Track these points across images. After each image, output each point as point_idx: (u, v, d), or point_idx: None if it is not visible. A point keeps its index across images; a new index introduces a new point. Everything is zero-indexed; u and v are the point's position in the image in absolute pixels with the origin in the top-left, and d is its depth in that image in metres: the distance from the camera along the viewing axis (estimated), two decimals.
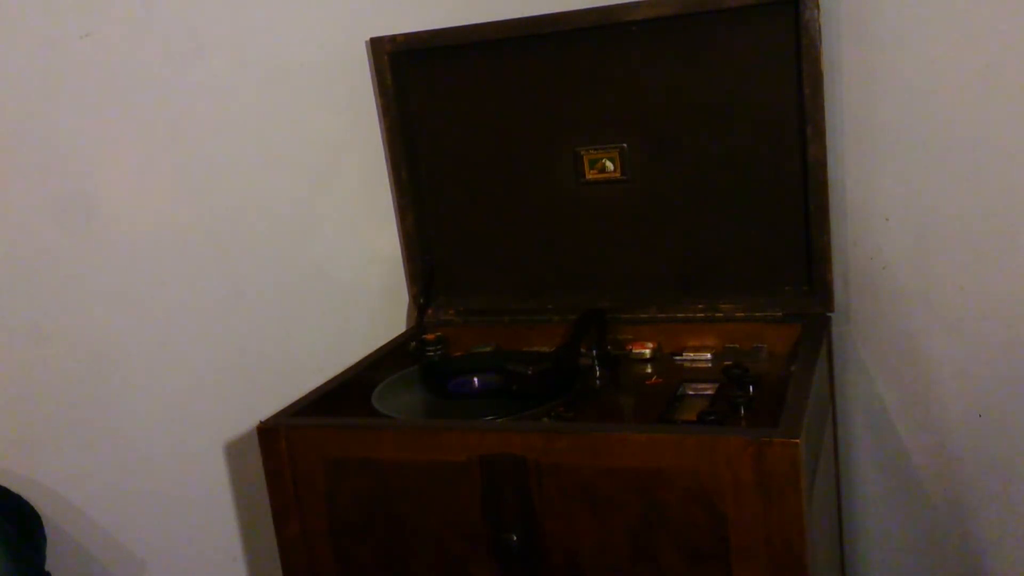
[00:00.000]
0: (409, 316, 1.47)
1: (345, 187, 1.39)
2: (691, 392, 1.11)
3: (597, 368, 1.22)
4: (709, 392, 1.10)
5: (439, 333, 1.34)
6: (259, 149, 1.27)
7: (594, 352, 1.23)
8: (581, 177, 1.30)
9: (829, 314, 1.22)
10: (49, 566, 1.07)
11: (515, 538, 0.96)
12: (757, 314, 1.24)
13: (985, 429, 1.19)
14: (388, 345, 1.32)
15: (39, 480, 1.13)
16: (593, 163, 1.29)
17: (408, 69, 1.35)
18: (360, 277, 1.41)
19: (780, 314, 1.23)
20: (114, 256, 1.16)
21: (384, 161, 1.40)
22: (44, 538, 0.77)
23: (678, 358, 1.24)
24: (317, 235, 1.35)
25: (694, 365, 1.21)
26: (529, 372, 1.12)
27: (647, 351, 1.25)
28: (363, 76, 1.37)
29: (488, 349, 1.36)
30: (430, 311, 1.41)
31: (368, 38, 1.34)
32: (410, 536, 1.01)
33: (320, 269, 1.35)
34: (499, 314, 1.38)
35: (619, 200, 1.30)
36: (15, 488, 1.09)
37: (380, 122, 1.38)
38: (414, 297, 1.42)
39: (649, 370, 1.21)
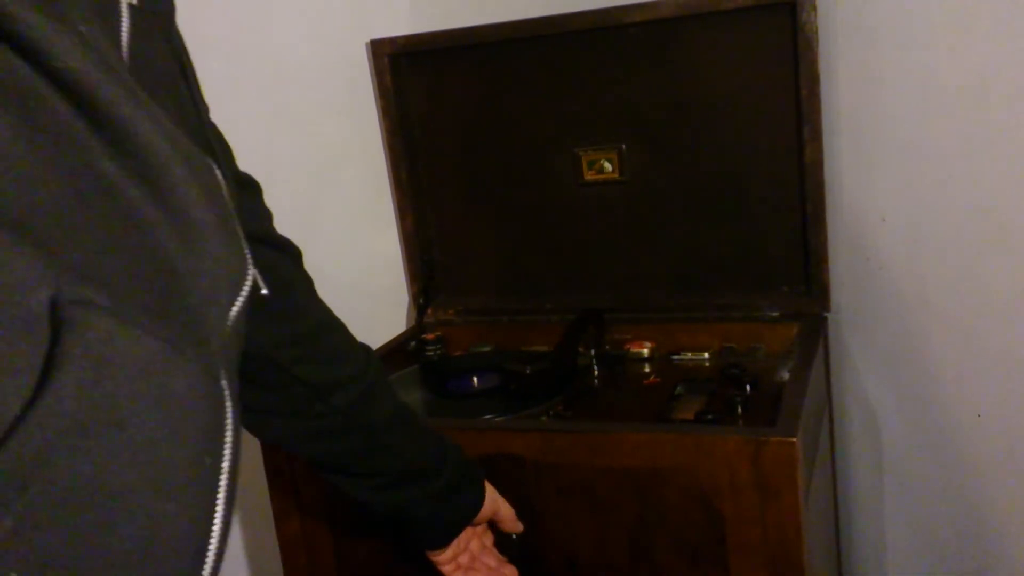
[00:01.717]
0: (409, 316, 1.47)
1: (345, 188, 1.39)
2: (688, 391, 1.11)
3: (595, 368, 1.22)
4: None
5: (438, 333, 1.34)
6: (259, 150, 1.27)
7: (592, 352, 1.23)
8: (580, 178, 1.31)
9: (826, 314, 1.22)
10: None
11: (514, 537, 0.97)
12: (755, 314, 1.24)
13: (984, 429, 1.20)
14: (388, 345, 1.33)
15: None
16: (592, 164, 1.30)
17: (408, 70, 1.35)
18: (360, 277, 1.42)
19: (777, 314, 1.23)
20: None
21: (384, 162, 1.41)
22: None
23: (676, 358, 1.24)
24: (317, 235, 1.35)
25: (692, 365, 1.22)
26: (527, 372, 1.13)
27: (645, 351, 1.25)
28: (363, 77, 1.37)
29: (487, 349, 1.36)
30: (430, 311, 1.41)
31: (368, 40, 1.34)
32: None
33: (320, 269, 1.35)
34: (498, 314, 1.39)
35: (617, 201, 1.30)
36: None
37: (380, 123, 1.38)
38: (414, 297, 1.43)
39: (647, 370, 1.22)
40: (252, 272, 0.52)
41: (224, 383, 0.48)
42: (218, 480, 0.46)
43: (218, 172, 0.52)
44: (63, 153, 0.40)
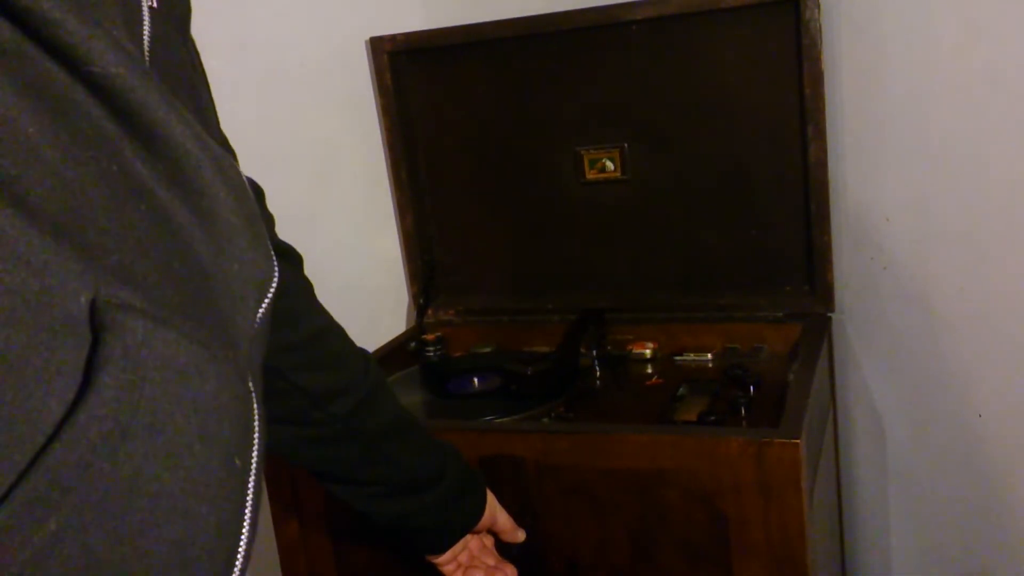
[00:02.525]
0: (409, 316, 1.46)
1: (345, 187, 1.38)
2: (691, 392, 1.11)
3: (597, 368, 1.22)
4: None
5: (439, 333, 1.33)
6: (258, 148, 1.26)
7: (594, 352, 1.22)
8: (581, 177, 1.30)
9: (830, 314, 1.22)
10: None
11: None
12: (758, 314, 1.24)
13: (985, 429, 1.19)
14: (388, 345, 1.32)
15: None
16: (593, 163, 1.29)
17: (408, 68, 1.35)
18: (360, 277, 1.41)
19: (781, 314, 1.23)
20: None
21: (384, 161, 1.40)
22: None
23: (678, 358, 1.23)
24: (317, 235, 1.34)
25: (694, 365, 1.21)
26: (528, 372, 1.12)
27: (647, 351, 1.25)
28: (363, 75, 1.36)
29: (488, 350, 1.36)
30: (430, 311, 1.40)
31: (368, 37, 1.34)
32: None
33: (320, 269, 1.35)
34: (499, 314, 1.38)
35: (619, 200, 1.29)
36: None
37: (380, 121, 1.38)
38: (414, 297, 1.42)
39: (649, 370, 1.21)
40: (277, 273, 0.53)
41: (251, 385, 0.48)
42: (247, 481, 0.46)
43: (243, 174, 0.52)
44: (98, 157, 0.41)
